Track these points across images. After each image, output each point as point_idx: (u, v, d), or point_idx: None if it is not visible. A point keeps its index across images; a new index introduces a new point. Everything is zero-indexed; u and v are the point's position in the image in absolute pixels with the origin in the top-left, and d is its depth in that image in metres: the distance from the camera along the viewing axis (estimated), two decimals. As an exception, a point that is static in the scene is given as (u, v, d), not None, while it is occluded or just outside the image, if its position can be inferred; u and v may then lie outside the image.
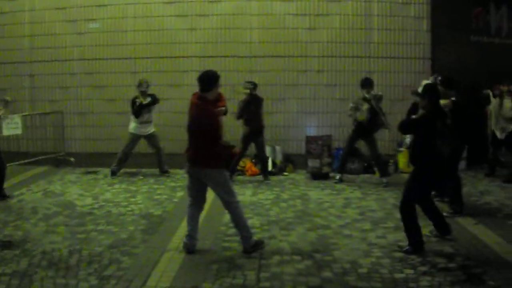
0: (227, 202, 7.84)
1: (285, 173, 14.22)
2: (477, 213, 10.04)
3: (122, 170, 13.94)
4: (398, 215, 9.54)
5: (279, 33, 15.37)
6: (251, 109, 12.84)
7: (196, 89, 7.85)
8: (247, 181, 13.35)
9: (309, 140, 14.04)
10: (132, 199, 11.33)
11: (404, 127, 8.39)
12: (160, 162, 14.00)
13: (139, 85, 13.54)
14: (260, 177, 13.53)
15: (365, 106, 12.53)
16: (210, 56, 15.09)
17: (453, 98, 9.72)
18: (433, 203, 8.54)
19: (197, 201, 8.04)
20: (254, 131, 12.99)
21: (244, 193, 11.75)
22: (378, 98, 12.60)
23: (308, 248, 8.05)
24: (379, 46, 15.40)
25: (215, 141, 7.64)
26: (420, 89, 8.28)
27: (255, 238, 8.00)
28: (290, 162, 14.64)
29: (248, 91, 12.84)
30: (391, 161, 14.34)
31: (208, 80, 7.75)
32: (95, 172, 14.26)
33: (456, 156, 9.97)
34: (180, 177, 13.26)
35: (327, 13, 15.31)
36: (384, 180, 12.79)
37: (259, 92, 13.24)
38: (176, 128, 14.06)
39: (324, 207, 10.65)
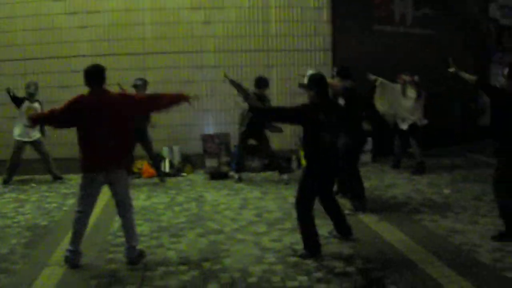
0: (128, 206, 7.32)
1: (183, 174, 13.77)
2: (382, 209, 9.75)
3: (15, 178, 13.25)
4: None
5: (173, 28, 14.82)
6: None
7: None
8: (142, 183, 12.80)
9: (205, 138, 13.66)
10: (21, 209, 10.62)
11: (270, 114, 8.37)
12: (49, 169, 13.37)
13: (27, 86, 13.07)
14: (156, 179, 13.03)
15: None
16: (103, 55, 14.26)
17: (346, 85, 9.44)
18: (335, 200, 8.03)
19: (91, 209, 7.36)
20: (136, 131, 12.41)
21: (138, 197, 11.16)
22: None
23: (196, 257, 7.51)
24: (278, 38, 15.06)
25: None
26: (305, 80, 7.80)
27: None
28: (189, 162, 14.15)
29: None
30: (294, 156, 13.96)
31: (102, 72, 7.33)
32: (-15, 182, 13.52)
33: (353, 149, 9.55)
34: (74, 183, 12.55)
35: (223, 6, 14.85)
36: (285, 177, 12.44)
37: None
38: (68, 131, 13.28)
39: (219, 210, 10.16)
